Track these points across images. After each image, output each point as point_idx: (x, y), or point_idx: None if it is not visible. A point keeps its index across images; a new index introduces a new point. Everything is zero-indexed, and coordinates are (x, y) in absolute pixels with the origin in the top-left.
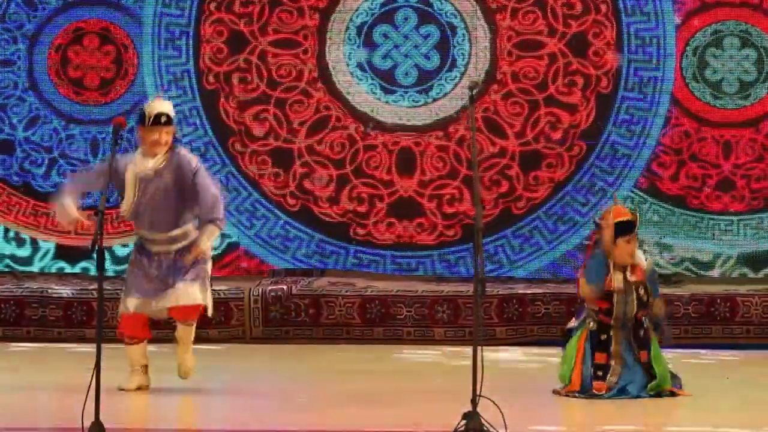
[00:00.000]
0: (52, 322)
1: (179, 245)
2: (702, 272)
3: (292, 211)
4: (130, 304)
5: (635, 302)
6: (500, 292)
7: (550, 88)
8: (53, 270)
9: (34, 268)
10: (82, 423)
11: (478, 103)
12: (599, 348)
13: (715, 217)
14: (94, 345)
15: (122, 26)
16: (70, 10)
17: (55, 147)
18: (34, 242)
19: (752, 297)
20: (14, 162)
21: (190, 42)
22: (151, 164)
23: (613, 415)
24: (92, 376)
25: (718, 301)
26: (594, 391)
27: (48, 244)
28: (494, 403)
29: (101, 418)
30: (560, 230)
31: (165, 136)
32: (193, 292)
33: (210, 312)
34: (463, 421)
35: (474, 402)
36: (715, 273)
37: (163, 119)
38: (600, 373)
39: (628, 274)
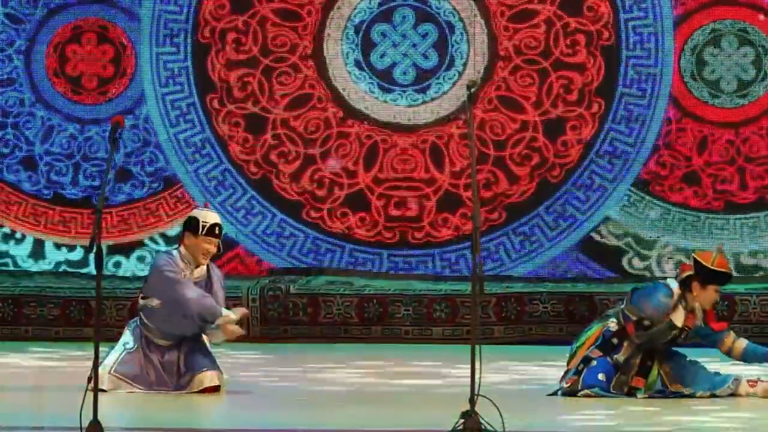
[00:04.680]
0: (50, 320)
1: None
2: (641, 250)
3: (255, 180)
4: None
5: (673, 338)
6: (498, 292)
7: (555, 53)
8: (110, 265)
9: (92, 268)
10: (81, 422)
11: (489, 84)
12: (640, 373)
13: (682, 210)
14: (92, 344)
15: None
16: (60, 13)
17: (75, 152)
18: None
19: (750, 296)
20: (40, 176)
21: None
22: (196, 273)
23: (611, 415)
24: (90, 374)
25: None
26: (590, 354)
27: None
28: (492, 402)
29: (99, 417)
30: (592, 199)
31: (215, 247)
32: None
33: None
34: (462, 420)
35: (472, 401)
36: (653, 254)
37: (217, 230)
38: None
39: (693, 315)
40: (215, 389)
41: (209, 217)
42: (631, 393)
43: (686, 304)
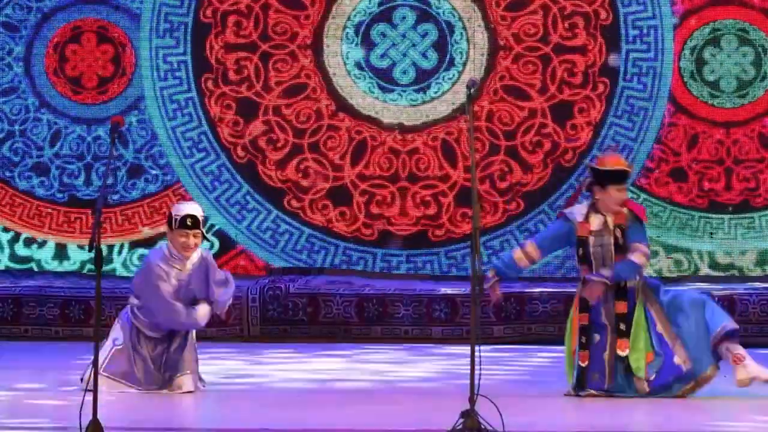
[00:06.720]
0: (49, 320)
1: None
2: None
3: (239, 164)
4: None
5: (611, 245)
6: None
7: (555, 38)
8: (134, 259)
9: (116, 264)
10: (80, 422)
11: (492, 75)
12: (581, 309)
13: (664, 204)
14: (92, 343)
15: None
16: (58, 14)
17: (86, 153)
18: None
19: (749, 296)
20: (53, 180)
21: None
22: (188, 267)
23: (611, 415)
24: (90, 374)
25: (716, 299)
26: (579, 363)
27: (119, 241)
28: (492, 401)
29: (99, 417)
30: None
31: (193, 239)
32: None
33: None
34: (461, 420)
35: (472, 401)
36: None
37: (189, 222)
38: (583, 340)
39: (609, 217)
40: (190, 393)
41: (182, 209)
42: (629, 374)
43: (598, 210)
